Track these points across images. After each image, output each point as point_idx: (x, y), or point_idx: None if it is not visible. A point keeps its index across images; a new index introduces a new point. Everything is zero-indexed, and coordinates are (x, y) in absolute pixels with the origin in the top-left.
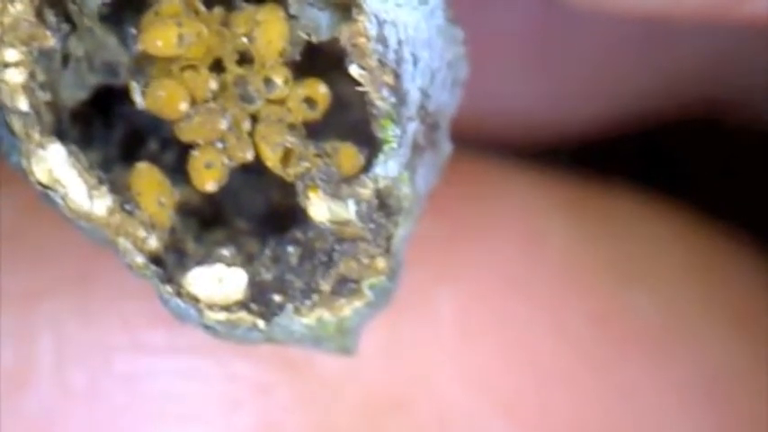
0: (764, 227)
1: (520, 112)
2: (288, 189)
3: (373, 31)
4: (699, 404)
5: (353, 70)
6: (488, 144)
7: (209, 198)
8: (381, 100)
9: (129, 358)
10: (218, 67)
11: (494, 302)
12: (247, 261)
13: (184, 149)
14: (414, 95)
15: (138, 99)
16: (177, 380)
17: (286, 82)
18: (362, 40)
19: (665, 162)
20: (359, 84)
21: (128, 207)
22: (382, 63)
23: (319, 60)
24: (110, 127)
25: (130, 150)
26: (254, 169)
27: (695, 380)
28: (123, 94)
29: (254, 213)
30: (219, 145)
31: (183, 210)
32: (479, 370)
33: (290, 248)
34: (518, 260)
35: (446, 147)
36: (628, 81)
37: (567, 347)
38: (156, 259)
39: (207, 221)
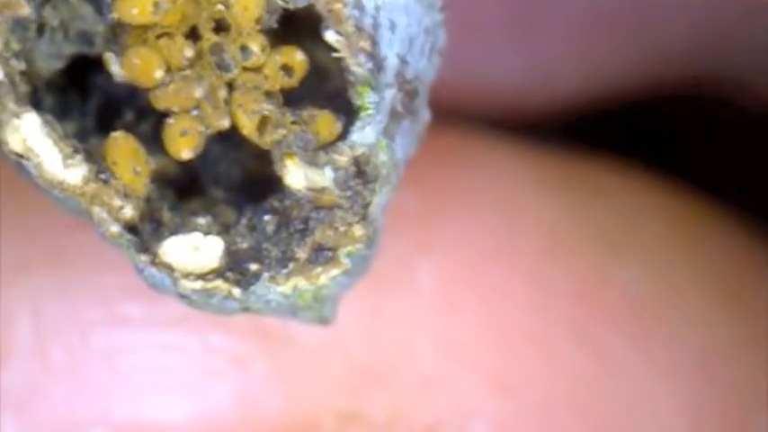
0: (749, 200)
1: (503, 82)
2: (264, 157)
3: None
4: (682, 376)
5: (329, 36)
6: (472, 115)
7: (187, 167)
8: (358, 66)
9: (107, 332)
10: (194, 34)
11: (475, 273)
12: (224, 230)
13: (161, 119)
14: (391, 62)
15: (114, 68)
16: (155, 352)
17: (263, 49)
18: (338, 5)
19: (650, 137)
20: (336, 50)
21: (103, 176)
22: (359, 29)
23: (297, 28)
24: (86, 97)
25: (107, 121)
26: (231, 138)
27: (679, 352)
28: (99, 64)
29: (231, 182)
30: (195, 113)
31: (160, 179)
32: (461, 341)
33: (267, 217)
34: (500, 231)
35: (425, 114)
36: (615, 55)
37: (549, 319)
38: (131, 228)
39: (184, 191)
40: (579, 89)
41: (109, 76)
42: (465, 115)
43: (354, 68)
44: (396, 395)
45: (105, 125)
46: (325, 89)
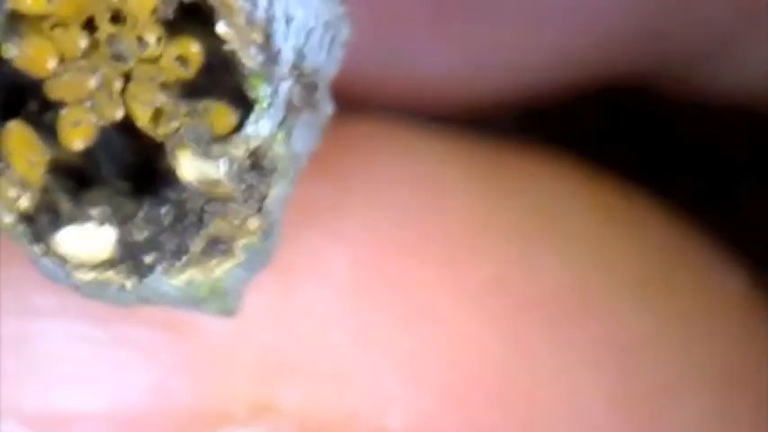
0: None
1: (430, 75)
2: (161, 149)
3: None
4: (604, 364)
5: (220, 28)
6: (400, 108)
7: (89, 158)
8: (250, 59)
9: (17, 323)
10: (91, 25)
11: (389, 262)
12: (123, 222)
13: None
14: (286, 55)
15: (10, 57)
16: (65, 343)
17: (159, 41)
18: None
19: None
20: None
21: None
22: (250, 21)
23: (197, 19)
24: None
25: (11, 112)
26: (131, 129)
27: (601, 343)
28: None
29: (129, 174)
30: (90, 104)
31: (61, 170)
32: (376, 331)
33: (164, 209)
34: (417, 219)
35: (326, 107)
36: (546, 45)
37: (466, 308)
38: (27, 219)
39: (86, 182)
40: (511, 82)
41: (11, 65)
42: (393, 109)
43: (246, 61)
44: (309, 385)
45: (11, 116)
46: (225, 82)
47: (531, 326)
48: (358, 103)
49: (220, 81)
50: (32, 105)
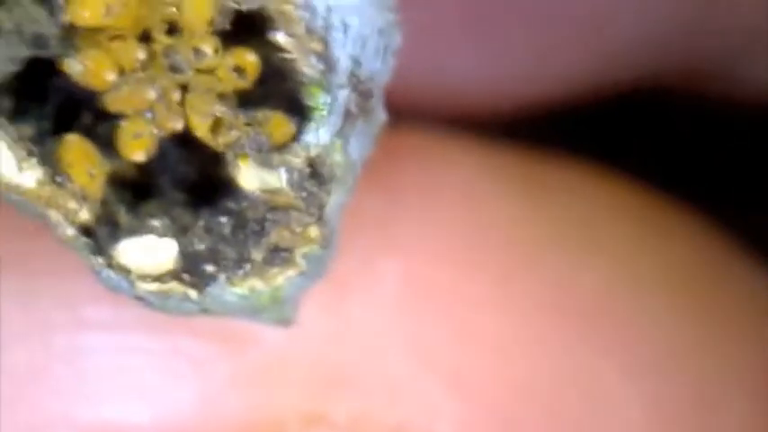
0: (711, 201)
1: (460, 82)
2: (220, 159)
3: None
4: (647, 376)
5: (279, 38)
6: (431, 115)
7: (145, 170)
8: (309, 67)
9: (70, 335)
10: (147, 37)
11: (439, 275)
12: (181, 232)
13: (117, 121)
14: (344, 63)
15: (69, 71)
16: (118, 355)
17: (215, 51)
18: (288, 7)
19: (614, 135)
20: (286, 52)
21: (58, 179)
22: (309, 30)
23: (253, 30)
24: (43, 100)
25: (65, 124)
26: (187, 141)
27: (644, 353)
28: (56, 67)
29: (188, 185)
30: (148, 115)
31: (117, 182)
32: (425, 343)
33: (223, 219)
34: (464, 231)
35: (380, 115)
36: (575, 50)
37: (512, 321)
38: (87, 231)
39: (142, 193)
40: (540, 87)
41: (66, 77)
42: (424, 116)
43: (305, 70)
44: (360, 397)
45: (64, 128)
46: (281, 90)
47: (576, 338)
48: (392, 111)
49: (273, 90)
50: (86, 118)
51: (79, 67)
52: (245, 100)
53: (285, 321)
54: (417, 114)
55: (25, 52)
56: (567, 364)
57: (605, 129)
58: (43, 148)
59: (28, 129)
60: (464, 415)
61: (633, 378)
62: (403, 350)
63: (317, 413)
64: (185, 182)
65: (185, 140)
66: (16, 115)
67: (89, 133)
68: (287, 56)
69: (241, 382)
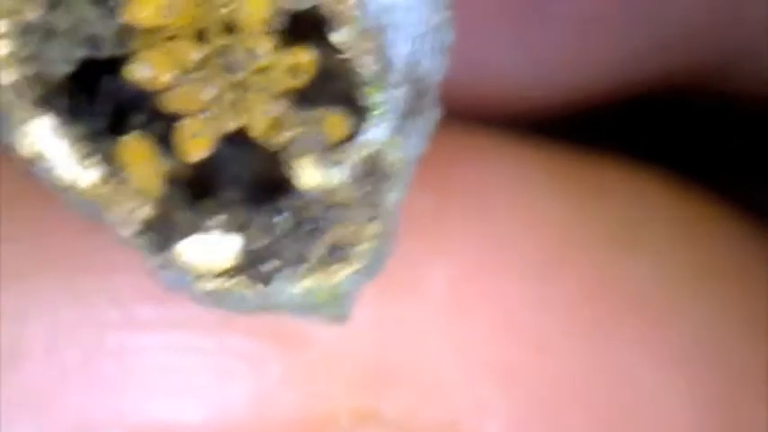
0: (749, 195)
1: (505, 78)
2: (276, 158)
3: None
4: (688, 372)
5: (335, 37)
6: (474, 112)
7: (199, 170)
8: (366, 66)
9: (121, 334)
10: (202, 37)
11: (487, 274)
12: (240, 230)
13: (171, 121)
14: (399, 61)
15: (125, 71)
16: (170, 354)
17: (270, 51)
18: (343, 7)
19: (656, 132)
20: (342, 51)
21: (117, 178)
22: (366, 29)
23: (307, 29)
24: (95, 100)
25: (117, 123)
26: (242, 140)
27: (685, 349)
28: (108, 67)
29: (243, 184)
30: (205, 115)
31: (173, 181)
32: (473, 343)
33: (281, 217)
34: (510, 232)
35: (433, 112)
36: (617, 46)
37: (561, 320)
38: (147, 230)
39: (197, 193)
40: (583, 83)
41: (119, 77)
42: (468, 112)
43: (362, 69)
44: (410, 394)
45: (115, 128)
46: (335, 89)
47: (623, 336)
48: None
49: (327, 88)
50: (140, 118)
51: (147, 72)
52: (301, 99)
53: (341, 318)
54: (463, 110)
55: (79, 53)
56: (609, 359)
57: (619, 126)
58: (101, 147)
59: (81, 129)
60: (512, 412)
61: (672, 372)
62: (452, 348)
63: (369, 410)
64: (241, 180)
65: (240, 139)
66: (70, 116)
67: (143, 133)
68: (342, 56)
69: (293, 380)
